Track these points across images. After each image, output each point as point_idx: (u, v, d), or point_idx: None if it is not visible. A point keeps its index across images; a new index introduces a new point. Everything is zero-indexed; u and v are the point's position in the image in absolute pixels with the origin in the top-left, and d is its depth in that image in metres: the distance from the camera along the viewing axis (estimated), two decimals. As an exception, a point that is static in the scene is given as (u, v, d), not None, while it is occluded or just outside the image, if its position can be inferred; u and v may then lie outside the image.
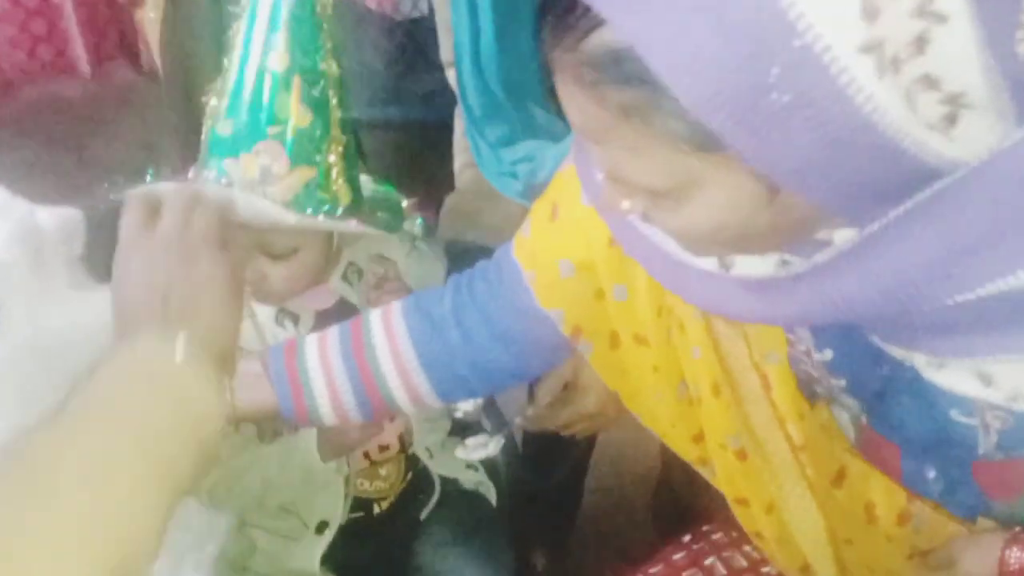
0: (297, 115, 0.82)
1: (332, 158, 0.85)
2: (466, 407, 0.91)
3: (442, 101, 2.88)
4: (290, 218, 0.82)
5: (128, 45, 2.54)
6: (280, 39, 0.80)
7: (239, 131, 0.82)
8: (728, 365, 0.67)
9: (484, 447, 0.88)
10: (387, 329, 0.77)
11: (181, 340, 0.46)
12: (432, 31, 2.89)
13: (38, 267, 0.66)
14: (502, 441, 0.88)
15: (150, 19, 2.64)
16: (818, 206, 0.45)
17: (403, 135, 2.34)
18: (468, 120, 0.95)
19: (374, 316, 0.78)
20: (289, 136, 0.81)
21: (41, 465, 0.39)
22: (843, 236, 0.50)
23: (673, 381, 0.71)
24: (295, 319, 0.97)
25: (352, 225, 0.88)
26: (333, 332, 0.78)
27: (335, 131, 0.86)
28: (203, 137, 0.86)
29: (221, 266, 0.52)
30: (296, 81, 0.82)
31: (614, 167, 0.48)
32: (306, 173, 0.83)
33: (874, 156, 0.41)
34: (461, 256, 0.99)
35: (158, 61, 2.56)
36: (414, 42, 2.78)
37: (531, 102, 0.94)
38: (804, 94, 0.39)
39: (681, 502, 1.54)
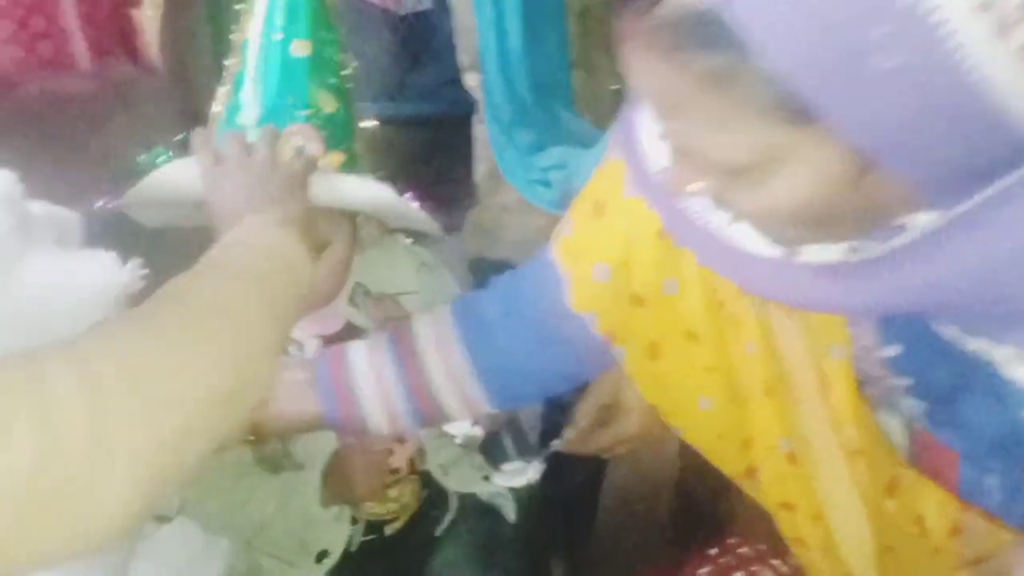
0: (325, 101, 0.84)
1: (358, 146, 0.87)
2: (466, 433, 0.87)
3: (449, 97, 2.84)
4: (363, 187, 0.82)
5: (128, 41, 2.50)
6: (299, 28, 0.82)
7: (267, 116, 0.83)
8: (784, 362, 0.62)
9: (522, 473, 0.83)
10: (436, 334, 0.73)
11: (268, 215, 0.60)
12: (435, 26, 2.86)
13: (21, 233, 0.64)
14: (541, 467, 0.83)
15: (148, 16, 2.60)
16: (909, 185, 0.41)
17: (408, 131, 2.31)
18: (495, 126, 0.91)
19: (422, 322, 0.74)
20: (320, 120, 0.83)
21: (182, 295, 0.49)
22: (921, 220, 0.45)
23: (724, 382, 0.67)
24: (299, 346, 0.94)
25: (414, 207, 0.88)
26: (380, 338, 0.74)
27: (355, 118, 0.88)
28: (214, 129, 0.86)
29: (283, 174, 0.68)
30: (319, 68, 0.84)
31: (689, 142, 0.44)
32: (338, 158, 0.85)
33: (978, 128, 0.38)
34: (487, 273, 0.95)
35: (157, 58, 2.53)
36: (417, 37, 2.75)
37: (559, 106, 0.89)
38: (909, 59, 0.35)
39: (700, 510, 1.51)
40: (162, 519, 0.77)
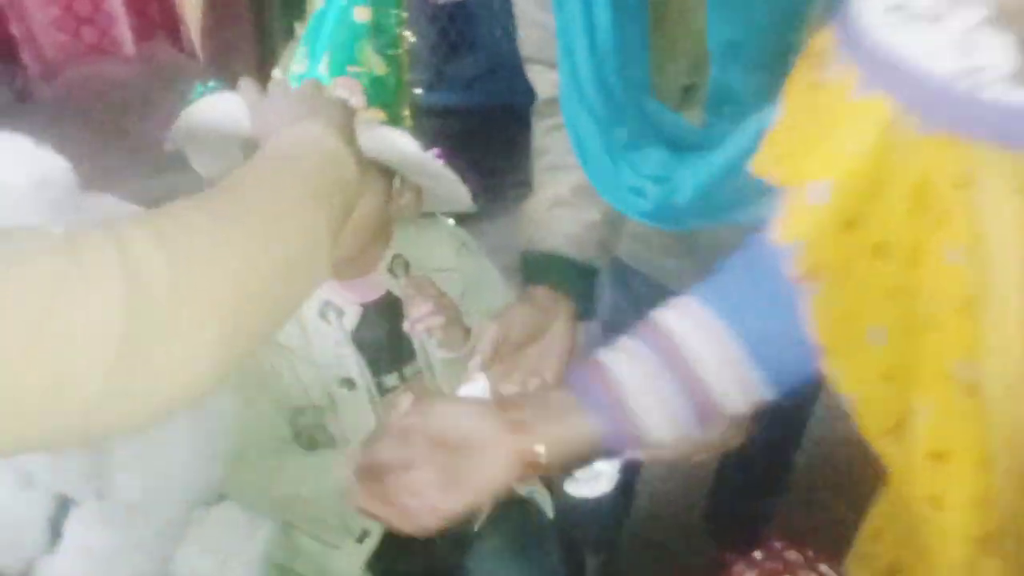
0: (375, 63, 0.86)
1: (404, 112, 0.88)
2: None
3: (487, 88, 2.82)
4: (394, 136, 0.84)
5: (170, 25, 2.52)
6: None
7: (317, 68, 0.84)
8: (992, 269, 0.56)
9: (595, 481, 0.76)
10: (696, 327, 0.68)
11: (312, 123, 0.63)
12: (475, 16, 2.83)
13: (52, 215, 0.64)
14: (617, 476, 0.76)
15: (190, 3, 2.63)
16: None
17: (444, 121, 2.30)
18: (586, 124, 0.86)
19: (671, 319, 0.69)
20: (367, 79, 0.85)
21: (242, 182, 0.54)
22: None
23: (905, 305, 0.60)
24: (339, 312, 0.93)
25: (440, 164, 0.88)
26: (636, 347, 0.69)
27: (406, 89, 0.89)
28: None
29: (323, 95, 0.71)
30: (377, 35, 0.86)
31: None
32: (379, 114, 0.86)
33: None
34: (538, 264, 0.92)
35: (197, 44, 2.55)
36: (455, 27, 2.74)
37: (646, 101, 0.86)
38: None
39: (737, 507, 1.49)
40: (208, 502, 0.77)
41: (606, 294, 1.21)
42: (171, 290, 0.42)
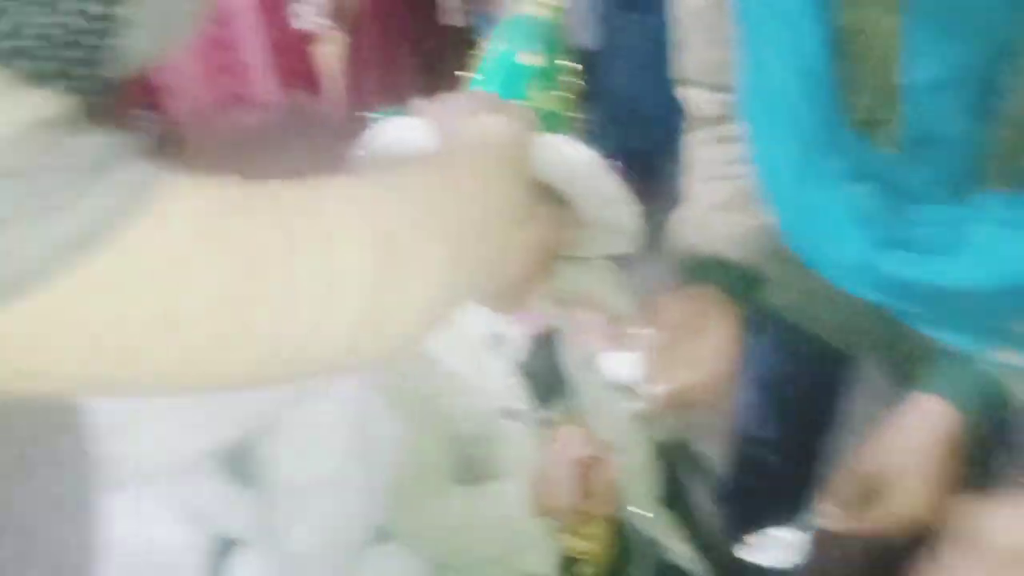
0: (544, 99, 0.90)
1: None
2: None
3: (610, 135, 2.80)
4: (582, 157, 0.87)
5: (310, 74, 2.61)
6: (531, 45, 0.90)
7: None
8: None
9: (778, 547, 0.71)
10: None
11: (494, 116, 0.66)
12: (599, 66, 2.82)
13: None
14: (803, 547, 0.71)
15: (327, 53, 2.72)
16: None
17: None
18: (784, 157, 0.81)
19: None
20: (539, 114, 0.86)
21: (432, 159, 0.59)
22: None
23: None
24: (508, 343, 0.94)
25: (611, 176, 0.90)
26: None
27: (572, 126, 0.94)
28: None
29: (499, 99, 0.74)
30: (544, 77, 0.91)
31: None
32: None
33: None
34: (698, 268, 0.89)
35: (340, 92, 2.63)
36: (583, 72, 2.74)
37: (849, 132, 0.80)
38: None
39: None
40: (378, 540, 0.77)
41: (768, 357, 1.14)
42: (411, 231, 0.47)
